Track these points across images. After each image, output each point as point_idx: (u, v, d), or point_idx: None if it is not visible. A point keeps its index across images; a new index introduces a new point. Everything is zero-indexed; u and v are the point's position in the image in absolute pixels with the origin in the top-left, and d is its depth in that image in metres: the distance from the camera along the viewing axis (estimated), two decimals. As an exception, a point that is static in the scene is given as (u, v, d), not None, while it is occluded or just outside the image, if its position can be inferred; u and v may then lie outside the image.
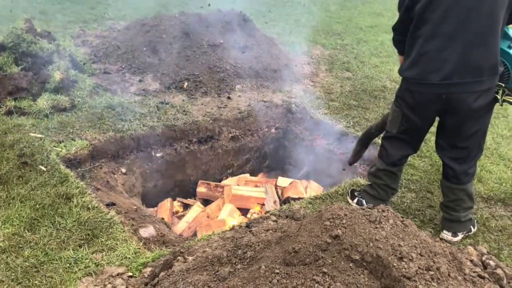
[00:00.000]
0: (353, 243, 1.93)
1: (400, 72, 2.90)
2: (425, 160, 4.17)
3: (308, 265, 1.93)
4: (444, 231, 3.12)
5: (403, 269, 1.85)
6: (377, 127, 3.61)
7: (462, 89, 2.65)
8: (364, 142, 3.82)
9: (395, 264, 1.86)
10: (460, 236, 3.10)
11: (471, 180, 3.00)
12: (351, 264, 1.89)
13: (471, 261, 2.60)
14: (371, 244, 1.92)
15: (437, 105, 2.76)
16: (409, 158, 4.13)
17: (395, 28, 2.96)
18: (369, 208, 2.18)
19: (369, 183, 3.37)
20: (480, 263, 2.65)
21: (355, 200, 3.42)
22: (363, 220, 2.03)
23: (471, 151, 2.88)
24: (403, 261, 1.88)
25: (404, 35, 2.84)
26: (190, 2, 9.27)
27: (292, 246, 2.04)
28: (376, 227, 1.99)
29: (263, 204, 4.32)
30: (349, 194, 3.52)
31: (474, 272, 2.32)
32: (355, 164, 4.40)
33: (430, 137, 4.37)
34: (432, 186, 3.76)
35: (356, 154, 3.90)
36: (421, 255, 1.96)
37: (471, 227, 3.17)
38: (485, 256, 2.78)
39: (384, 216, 2.08)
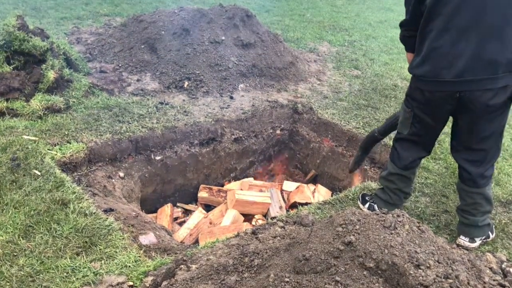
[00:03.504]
0: (367, 250, 1.93)
1: (410, 69, 2.89)
2: (440, 163, 4.17)
3: (320, 273, 1.93)
4: (461, 237, 3.12)
5: (420, 277, 1.86)
6: (381, 131, 3.60)
7: (476, 87, 2.62)
8: (366, 147, 3.80)
9: (411, 272, 1.87)
10: (478, 242, 3.09)
11: (489, 183, 2.99)
12: (365, 272, 1.90)
13: (490, 268, 2.61)
14: (386, 251, 1.92)
15: (450, 104, 2.75)
16: (423, 161, 4.13)
17: (404, 24, 2.94)
18: (383, 213, 2.18)
19: (381, 186, 3.38)
20: (500, 271, 2.65)
21: (367, 205, 3.42)
22: (377, 226, 2.03)
23: (487, 153, 2.86)
24: (420, 268, 1.89)
25: (414, 30, 2.83)
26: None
27: (303, 253, 2.04)
28: (391, 233, 2.00)
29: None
30: (360, 199, 3.52)
31: (494, 280, 2.32)
32: (366, 167, 4.41)
33: (445, 138, 4.38)
34: (447, 190, 3.76)
35: (357, 160, 3.89)
36: (439, 262, 1.96)
37: (489, 232, 3.16)
38: (505, 263, 2.78)
39: (399, 222, 2.08)
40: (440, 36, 2.63)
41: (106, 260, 2.67)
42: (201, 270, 2.32)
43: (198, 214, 4.36)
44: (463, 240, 3.09)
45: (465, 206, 3.06)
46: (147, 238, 3.11)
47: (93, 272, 2.56)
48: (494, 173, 3.97)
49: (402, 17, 2.99)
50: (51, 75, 4.51)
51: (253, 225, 3.93)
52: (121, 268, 2.62)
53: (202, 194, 4.60)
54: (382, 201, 3.32)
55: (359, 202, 3.51)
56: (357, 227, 2.04)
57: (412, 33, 2.89)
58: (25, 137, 3.77)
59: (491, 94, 2.63)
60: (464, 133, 2.85)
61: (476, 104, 2.66)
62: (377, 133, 3.64)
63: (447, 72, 2.64)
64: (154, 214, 4.35)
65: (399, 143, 3.14)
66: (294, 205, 4.37)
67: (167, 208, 4.37)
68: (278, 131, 5.24)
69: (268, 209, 4.38)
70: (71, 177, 3.48)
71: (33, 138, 3.78)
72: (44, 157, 3.53)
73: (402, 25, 2.98)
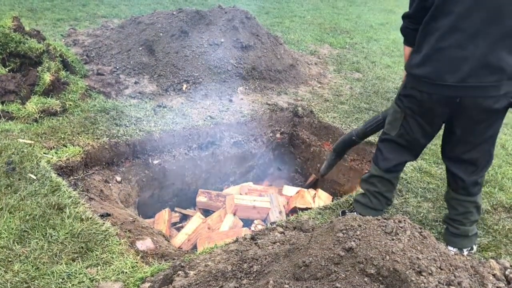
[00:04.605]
0: (368, 256, 1.93)
1: (409, 67, 2.76)
2: (442, 167, 4.17)
3: (320, 280, 1.93)
4: (449, 247, 3.04)
5: (422, 284, 1.85)
6: (360, 134, 3.48)
7: (479, 93, 2.55)
8: (340, 150, 3.70)
9: (413, 279, 1.87)
10: (465, 253, 3.03)
11: (480, 191, 2.95)
12: (366, 279, 1.90)
13: (494, 275, 2.59)
14: (388, 257, 1.92)
15: (448, 109, 2.66)
16: (425, 165, 4.14)
17: (408, 16, 2.78)
18: (385, 218, 2.19)
19: (362, 192, 3.28)
20: (504, 278, 2.64)
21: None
22: (379, 231, 2.03)
23: (481, 161, 2.81)
24: (422, 275, 1.88)
25: (418, 23, 2.69)
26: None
27: (302, 259, 2.04)
28: (393, 239, 2.00)
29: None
30: (340, 214, 3.45)
31: (497, 287, 2.32)
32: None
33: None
34: (450, 195, 3.76)
35: (330, 164, 3.79)
36: (441, 269, 1.96)
37: (473, 245, 3.13)
38: (508, 270, 2.77)
39: (401, 227, 2.08)
40: (447, 36, 2.53)
41: (103, 266, 2.67)
42: (199, 277, 2.32)
43: (197, 219, 4.36)
44: (451, 251, 3.04)
45: (455, 216, 3.00)
46: (144, 244, 3.11)
47: (89, 278, 2.55)
48: (497, 178, 3.99)
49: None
50: (47, 77, 4.52)
51: (252, 230, 3.93)
52: (117, 274, 2.61)
53: (201, 198, 4.60)
54: (361, 205, 3.22)
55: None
56: (358, 232, 2.04)
57: (416, 26, 2.74)
58: (21, 140, 3.77)
59: (492, 101, 2.56)
60: (458, 139, 2.78)
61: (476, 111, 2.60)
62: (355, 136, 3.51)
63: (450, 76, 2.55)
64: (152, 219, 4.35)
65: (385, 144, 3.03)
66: (294, 210, 4.37)
67: (164, 213, 4.37)
68: (278, 135, 5.25)
69: (268, 214, 4.38)
70: (67, 181, 3.48)
71: (29, 141, 3.78)
72: (40, 161, 3.53)
73: (405, 16, 2.82)
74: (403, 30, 2.88)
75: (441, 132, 2.98)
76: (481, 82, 2.53)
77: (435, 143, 4.29)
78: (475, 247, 3.14)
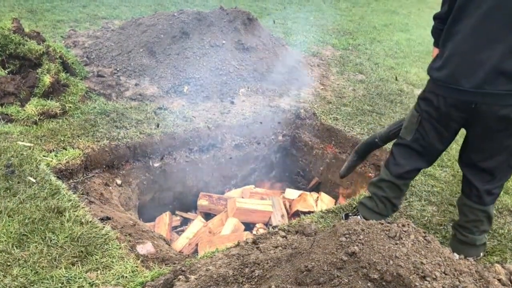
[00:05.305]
0: (371, 260, 1.93)
1: (429, 70, 2.75)
2: (447, 170, 4.17)
3: (322, 285, 1.93)
4: (454, 255, 3.03)
5: (426, 289, 1.85)
6: (383, 137, 3.44)
7: (495, 101, 2.51)
8: (363, 152, 3.66)
9: (417, 284, 1.86)
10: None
11: (494, 201, 2.91)
12: (369, 284, 1.89)
13: (499, 280, 2.59)
14: (391, 261, 1.92)
15: (464, 114, 2.63)
16: (429, 168, 4.13)
17: (438, 17, 2.78)
18: (388, 222, 2.18)
19: (369, 195, 3.24)
20: (509, 283, 2.64)
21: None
22: (382, 236, 2.03)
23: (498, 171, 2.76)
24: (426, 280, 1.88)
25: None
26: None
27: (305, 264, 2.04)
28: (396, 243, 2.00)
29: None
30: (343, 217, 3.42)
31: (503, 292, 2.31)
32: (370, 174, 4.40)
33: (452, 145, 4.37)
34: (455, 199, 3.74)
35: (351, 165, 3.74)
36: (446, 274, 1.96)
37: (482, 252, 3.09)
38: (514, 275, 2.77)
39: (405, 231, 2.08)
40: (466, 40, 2.51)
41: (103, 270, 2.67)
42: (200, 281, 2.32)
43: (198, 222, 4.36)
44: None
45: (465, 223, 2.97)
46: (145, 248, 3.11)
47: (89, 283, 2.55)
48: (501, 192, 3.96)
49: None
50: (47, 79, 4.53)
51: (254, 234, 3.93)
52: (117, 279, 2.61)
53: (202, 202, 4.60)
54: (367, 208, 3.18)
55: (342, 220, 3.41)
56: (361, 237, 2.04)
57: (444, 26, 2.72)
58: (20, 143, 3.78)
59: (510, 109, 2.51)
60: (475, 146, 2.75)
61: (492, 118, 2.55)
62: (378, 139, 3.47)
63: (466, 80, 2.52)
64: (152, 223, 4.35)
65: (399, 148, 3.00)
66: (296, 214, 4.37)
67: (165, 217, 4.37)
68: (280, 137, 5.25)
69: (270, 217, 4.37)
70: (67, 185, 3.48)
71: (28, 144, 3.79)
72: (39, 164, 3.53)
73: (436, 17, 2.80)
74: (433, 31, 2.87)
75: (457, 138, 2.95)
76: (498, 90, 2.48)
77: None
78: (482, 254, 3.11)
